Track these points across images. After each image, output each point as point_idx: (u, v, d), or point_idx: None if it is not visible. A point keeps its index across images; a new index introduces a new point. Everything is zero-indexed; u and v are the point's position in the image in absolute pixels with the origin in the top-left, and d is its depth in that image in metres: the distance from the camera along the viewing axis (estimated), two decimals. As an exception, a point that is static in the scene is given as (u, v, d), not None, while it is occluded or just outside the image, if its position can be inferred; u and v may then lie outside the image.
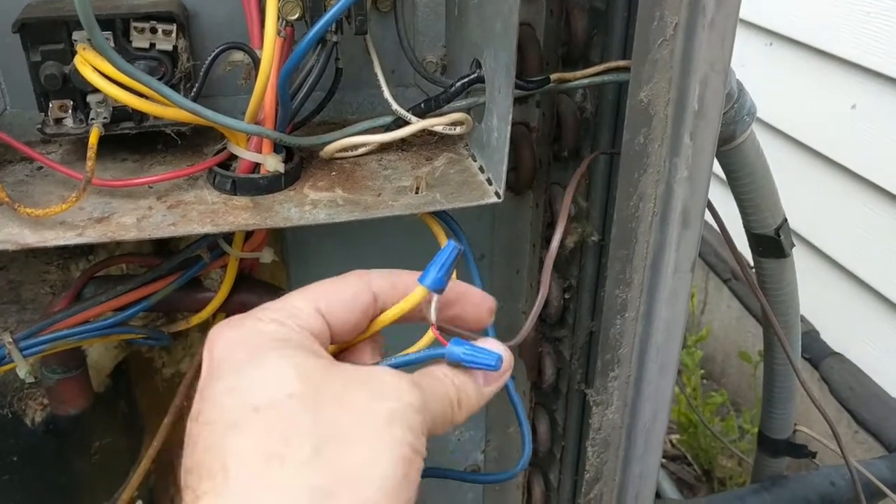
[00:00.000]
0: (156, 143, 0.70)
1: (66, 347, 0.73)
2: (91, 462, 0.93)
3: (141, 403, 0.98)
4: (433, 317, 0.48)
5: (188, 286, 0.73)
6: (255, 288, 0.77)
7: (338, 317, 0.47)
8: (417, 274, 0.49)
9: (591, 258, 0.84)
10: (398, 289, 0.49)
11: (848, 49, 1.83)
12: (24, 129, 0.70)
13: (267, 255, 0.71)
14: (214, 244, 0.70)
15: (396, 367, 0.48)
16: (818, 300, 1.83)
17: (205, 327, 0.85)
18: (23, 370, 0.70)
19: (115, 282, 0.74)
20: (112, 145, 0.68)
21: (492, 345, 0.50)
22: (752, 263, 1.12)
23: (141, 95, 0.58)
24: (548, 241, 0.86)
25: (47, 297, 0.83)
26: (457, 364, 0.48)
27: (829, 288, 1.99)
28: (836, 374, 1.49)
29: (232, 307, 0.76)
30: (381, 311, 0.50)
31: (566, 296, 0.89)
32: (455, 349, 0.48)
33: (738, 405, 2.25)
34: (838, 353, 1.55)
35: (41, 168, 0.67)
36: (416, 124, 0.64)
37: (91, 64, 0.57)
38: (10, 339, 0.69)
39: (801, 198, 1.93)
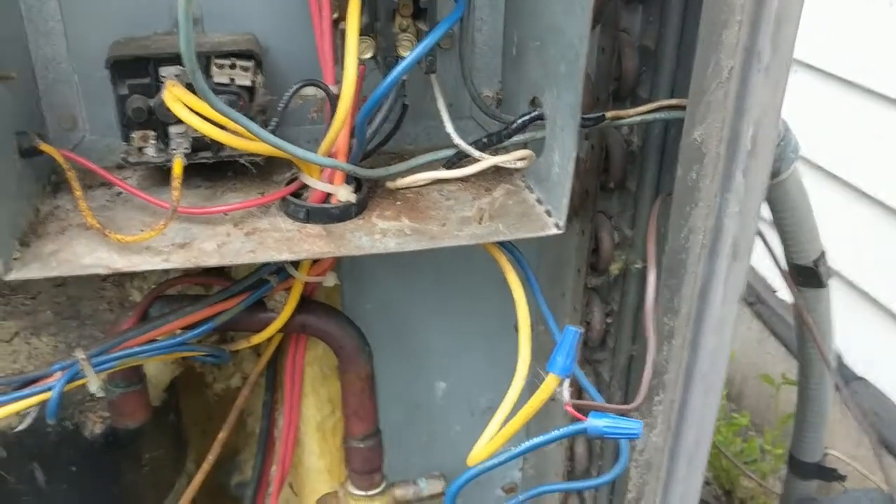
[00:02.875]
0: (227, 170, 0.73)
1: (135, 364, 0.76)
2: (141, 473, 0.96)
3: (185, 416, 1.01)
4: (567, 397, 0.53)
5: (251, 307, 0.76)
6: (314, 310, 0.80)
7: None
8: None
9: (634, 284, 0.86)
10: None
11: (878, 82, 1.85)
12: (100, 155, 0.74)
13: (330, 279, 0.74)
14: (280, 267, 0.73)
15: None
16: (842, 325, 1.84)
17: (259, 346, 0.88)
18: (94, 385, 0.73)
19: (182, 301, 0.77)
20: (187, 172, 0.71)
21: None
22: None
23: (222, 128, 0.62)
24: (593, 266, 0.89)
25: (105, 312, 0.86)
26: (598, 437, 0.51)
27: (852, 312, 2.00)
28: (859, 399, 1.50)
29: (292, 328, 0.79)
30: None
31: (608, 320, 0.92)
32: (596, 422, 0.51)
33: (758, 426, 2.25)
34: (862, 378, 1.56)
35: (121, 193, 0.70)
36: (486, 161, 0.67)
37: (181, 100, 0.60)
38: (84, 356, 0.72)
39: (822, 222, 1.94)
